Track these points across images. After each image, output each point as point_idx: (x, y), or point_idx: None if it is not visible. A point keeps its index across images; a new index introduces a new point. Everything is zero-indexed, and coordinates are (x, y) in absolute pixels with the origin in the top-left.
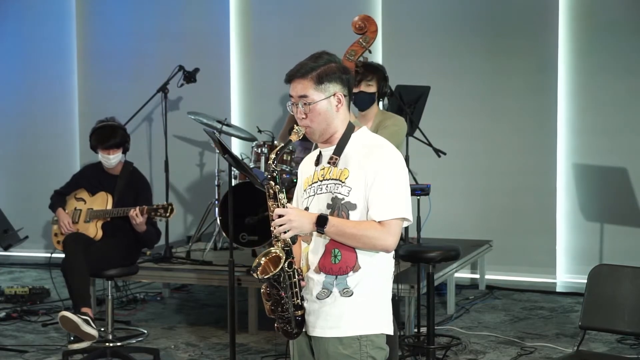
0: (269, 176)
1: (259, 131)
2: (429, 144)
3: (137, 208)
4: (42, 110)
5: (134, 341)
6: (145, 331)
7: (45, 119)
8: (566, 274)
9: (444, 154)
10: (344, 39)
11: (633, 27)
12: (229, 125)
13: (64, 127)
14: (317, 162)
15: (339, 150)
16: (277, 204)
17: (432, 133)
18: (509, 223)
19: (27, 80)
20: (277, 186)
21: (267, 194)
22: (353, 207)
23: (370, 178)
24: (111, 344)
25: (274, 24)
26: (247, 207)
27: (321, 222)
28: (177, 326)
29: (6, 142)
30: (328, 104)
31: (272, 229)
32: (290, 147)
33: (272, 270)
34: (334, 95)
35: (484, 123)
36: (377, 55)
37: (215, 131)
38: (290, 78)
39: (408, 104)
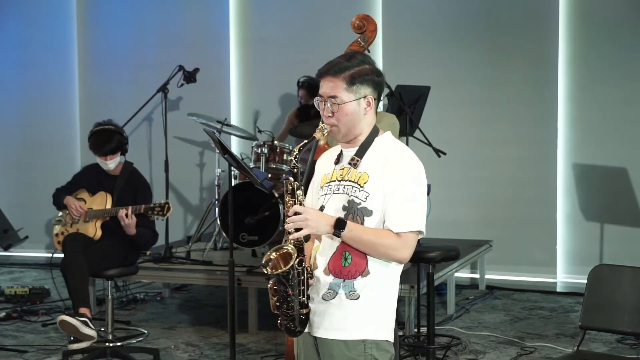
0: (290, 172)
1: (259, 131)
2: (429, 144)
3: (130, 207)
4: (43, 111)
5: (134, 341)
6: (145, 331)
7: (45, 120)
8: (566, 274)
9: (444, 154)
10: (345, 39)
11: (634, 26)
12: (229, 125)
13: (64, 127)
14: (337, 160)
15: (361, 153)
16: (295, 201)
17: (431, 133)
18: (509, 223)
19: (27, 80)
20: (296, 182)
21: (285, 189)
22: (369, 213)
23: (390, 187)
24: (111, 344)
25: (273, 24)
26: (247, 207)
27: (340, 226)
28: (177, 326)
29: (7, 142)
30: (357, 106)
31: (285, 224)
32: (290, 147)
33: (282, 266)
34: (364, 97)
35: (483, 123)
36: (377, 52)
37: (215, 131)
38: (321, 75)
39: (408, 104)
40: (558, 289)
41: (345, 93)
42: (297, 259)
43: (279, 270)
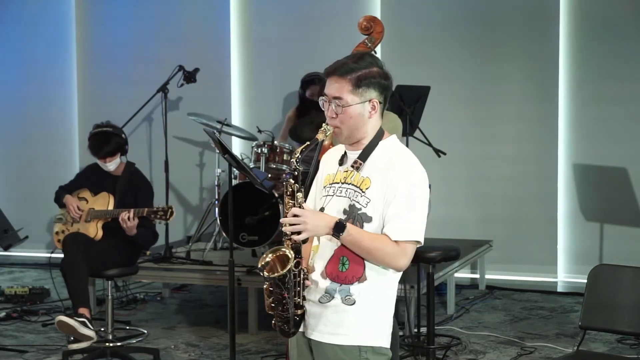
0: (291, 173)
1: (259, 131)
2: (429, 144)
3: (132, 211)
4: (42, 109)
5: (134, 341)
6: (145, 331)
7: (45, 119)
8: (566, 274)
9: (444, 154)
10: (345, 37)
11: (635, 25)
12: (229, 125)
13: (63, 126)
14: (341, 161)
15: (364, 156)
16: (295, 203)
17: (431, 131)
18: (509, 223)
19: (26, 79)
20: (296, 185)
21: (285, 190)
22: (369, 219)
23: (391, 194)
24: (111, 344)
25: (274, 24)
26: (247, 207)
27: (339, 229)
28: (177, 326)
29: (6, 141)
30: (362, 109)
31: (283, 226)
32: (289, 147)
33: (279, 269)
34: (369, 101)
35: (483, 123)
36: (376, 51)
37: (215, 131)
38: (328, 74)
39: (408, 104)
40: (559, 289)
41: (351, 95)
42: (295, 261)
43: (276, 274)
